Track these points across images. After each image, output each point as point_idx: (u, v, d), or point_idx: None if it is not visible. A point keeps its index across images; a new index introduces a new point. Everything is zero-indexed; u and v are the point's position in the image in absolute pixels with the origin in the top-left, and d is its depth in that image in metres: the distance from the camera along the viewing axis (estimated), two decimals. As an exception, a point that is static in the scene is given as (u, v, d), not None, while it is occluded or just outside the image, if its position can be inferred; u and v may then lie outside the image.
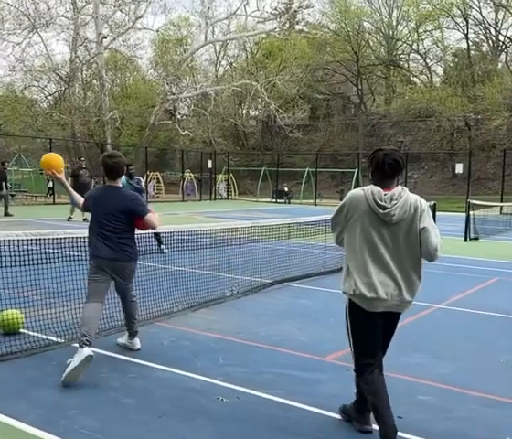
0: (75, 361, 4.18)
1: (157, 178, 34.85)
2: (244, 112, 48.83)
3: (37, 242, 5.59)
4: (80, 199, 5.07)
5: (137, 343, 5.08)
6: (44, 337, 5.17)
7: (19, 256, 5.42)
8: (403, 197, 3.22)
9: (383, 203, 3.21)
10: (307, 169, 33.89)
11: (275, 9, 43.90)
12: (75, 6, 33.65)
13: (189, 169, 37.02)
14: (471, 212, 14.25)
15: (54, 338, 5.17)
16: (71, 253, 5.94)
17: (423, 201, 3.32)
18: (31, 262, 5.57)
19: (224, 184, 36.37)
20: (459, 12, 42.07)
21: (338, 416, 3.86)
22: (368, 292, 3.27)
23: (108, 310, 5.53)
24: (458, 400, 4.24)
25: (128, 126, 42.42)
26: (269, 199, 34.55)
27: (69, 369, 4.18)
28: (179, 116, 46.76)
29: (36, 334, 5.20)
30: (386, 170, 3.27)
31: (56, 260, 5.77)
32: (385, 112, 47.77)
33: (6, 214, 17.74)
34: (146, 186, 28.40)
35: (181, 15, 44.20)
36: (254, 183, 38.42)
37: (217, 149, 38.46)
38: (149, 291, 6.49)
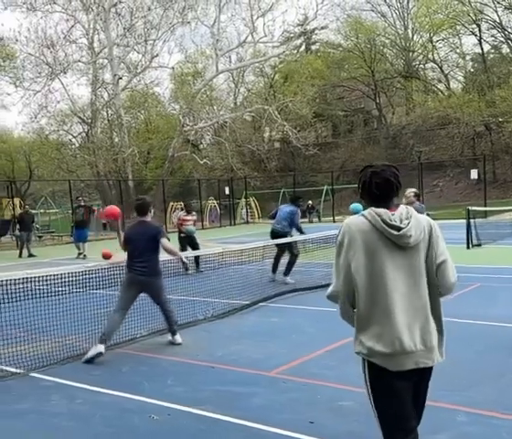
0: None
1: (181, 208, 35.58)
2: (266, 135, 49.50)
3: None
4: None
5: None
6: (9, 369, 5.65)
7: None
8: (413, 216, 2.65)
9: (395, 223, 2.61)
10: (325, 187, 34.04)
11: (287, 32, 44.49)
12: (92, 51, 35.08)
13: (213, 197, 37.63)
14: (471, 219, 14.24)
15: (14, 370, 5.64)
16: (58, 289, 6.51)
17: (435, 223, 2.76)
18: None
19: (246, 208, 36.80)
20: (471, 18, 41.95)
21: (254, 425, 4.16)
22: (391, 345, 2.55)
23: (67, 340, 6.00)
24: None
25: (153, 160, 43.63)
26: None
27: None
28: (203, 146, 47.84)
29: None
30: (373, 191, 2.70)
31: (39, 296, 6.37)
32: (405, 122, 47.62)
33: (30, 255, 18.62)
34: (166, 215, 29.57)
35: (198, 48, 45.33)
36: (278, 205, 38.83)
37: (239, 175, 39.04)
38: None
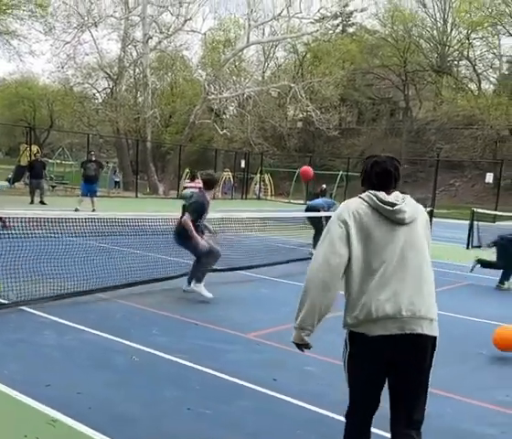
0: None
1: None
2: (290, 113, 49.30)
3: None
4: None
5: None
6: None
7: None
8: (407, 198, 2.82)
9: (389, 200, 2.75)
10: (340, 172, 34.12)
11: (325, 9, 43.83)
12: (126, 6, 35.08)
13: (228, 169, 37.75)
14: (474, 222, 14.43)
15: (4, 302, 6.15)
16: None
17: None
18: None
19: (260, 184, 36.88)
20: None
21: (223, 375, 4.56)
22: (375, 311, 2.63)
23: (61, 281, 6.46)
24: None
25: (174, 125, 43.80)
26: (302, 201, 34.95)
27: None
28: (226, 116, 47.84)
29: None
30: (372, 181, 2.86)
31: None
32: (430, 118, 47.27)
33: (41, 202, 19.04)
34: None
35: (231, 17, 45.10)
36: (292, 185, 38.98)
37: (256, 150, 39.14)
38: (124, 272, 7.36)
